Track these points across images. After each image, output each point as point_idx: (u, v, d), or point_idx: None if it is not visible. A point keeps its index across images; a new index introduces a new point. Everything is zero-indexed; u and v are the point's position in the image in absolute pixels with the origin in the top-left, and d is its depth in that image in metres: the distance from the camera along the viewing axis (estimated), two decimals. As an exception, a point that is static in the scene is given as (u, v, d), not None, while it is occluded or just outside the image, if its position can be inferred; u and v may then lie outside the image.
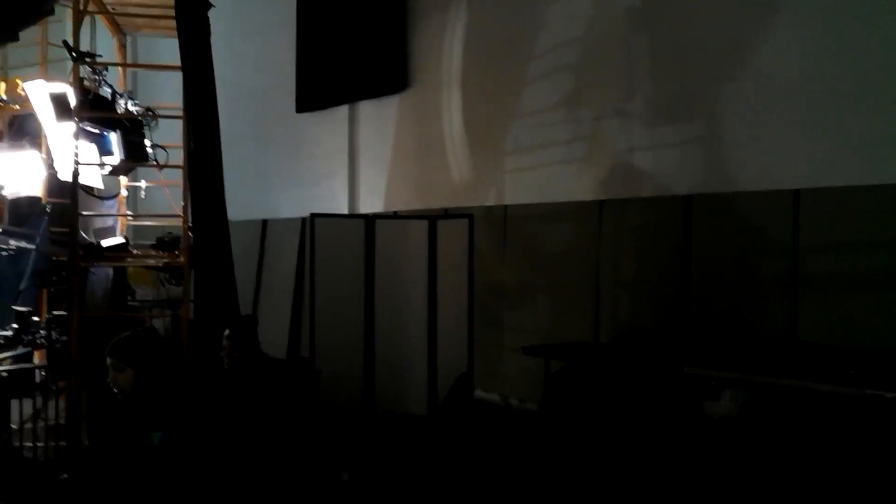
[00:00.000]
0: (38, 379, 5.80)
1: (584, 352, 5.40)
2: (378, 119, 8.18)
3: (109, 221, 7.11)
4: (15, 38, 7.93)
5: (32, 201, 7.13)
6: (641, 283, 5.71)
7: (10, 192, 7.04)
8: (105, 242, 6.18)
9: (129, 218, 7.50)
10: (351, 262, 5.99)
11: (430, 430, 5.63)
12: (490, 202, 6.84)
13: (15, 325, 6.14)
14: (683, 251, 5.39)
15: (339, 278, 5.95)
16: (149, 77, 10.18)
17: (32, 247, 6.83)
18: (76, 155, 5.79)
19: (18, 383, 5.59)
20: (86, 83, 6.08)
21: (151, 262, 6.37)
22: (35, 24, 7.77)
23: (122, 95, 6.45)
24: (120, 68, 7.37)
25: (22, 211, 7.30)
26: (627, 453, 4.11)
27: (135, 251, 6.33)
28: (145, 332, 4.49)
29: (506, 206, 6.68)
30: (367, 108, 8.34)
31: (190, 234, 5.77)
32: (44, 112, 6.09)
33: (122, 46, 7.48)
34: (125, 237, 6.42)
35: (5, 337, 6.12)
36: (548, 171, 6.42)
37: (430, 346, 5.98)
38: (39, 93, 6.07)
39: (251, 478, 3.89)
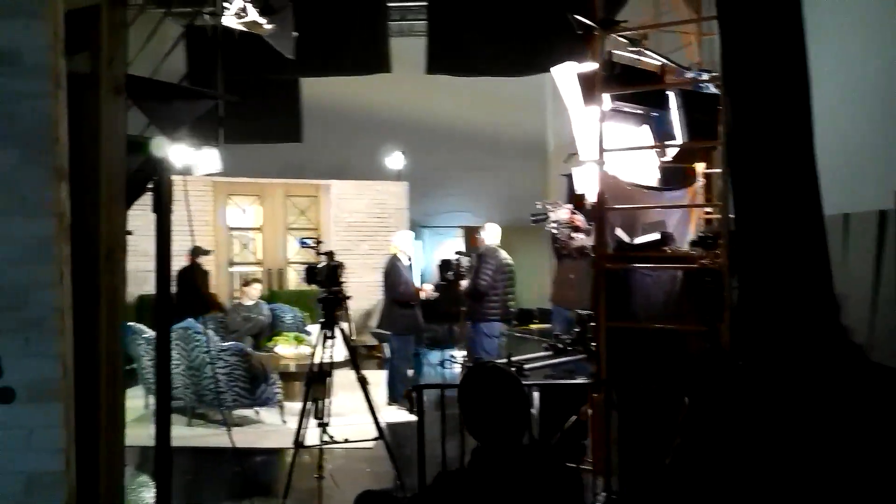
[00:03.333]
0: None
1: None
2: None
3: (675, 215, 5.86)
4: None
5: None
6: None
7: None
8: (638, 240, 5.23)
9: (703, 210, 6.10)
10: None
11: None
12: None
13: (577, 329, 5.73)
14: None
15: None
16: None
17: None
18: (601, 140, 4.97)
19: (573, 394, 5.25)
20: (615, 57, 5.26)
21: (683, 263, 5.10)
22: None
23: (686, 67, 5.54)
24: (694, 38, 6.18)
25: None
26: None
27: (670, 249, 5.19)
28: None
29: None
30: None
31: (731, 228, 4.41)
32: (572, 98, 5.44)
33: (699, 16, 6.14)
34: (665, 233, 5.33)
35: (564, 342, 5.79)
36: None
37: None
38: (567, 77, 5.45)
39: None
